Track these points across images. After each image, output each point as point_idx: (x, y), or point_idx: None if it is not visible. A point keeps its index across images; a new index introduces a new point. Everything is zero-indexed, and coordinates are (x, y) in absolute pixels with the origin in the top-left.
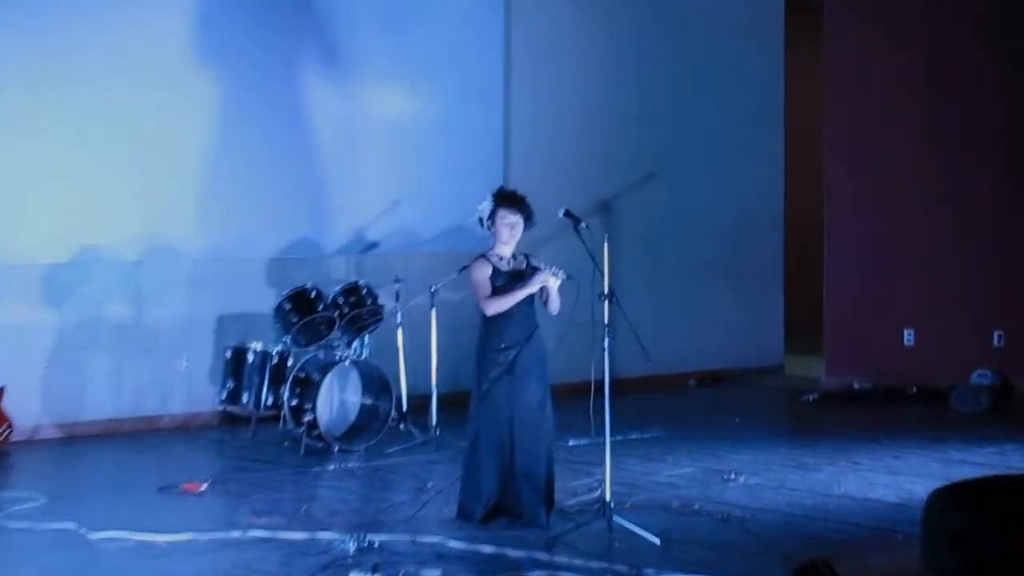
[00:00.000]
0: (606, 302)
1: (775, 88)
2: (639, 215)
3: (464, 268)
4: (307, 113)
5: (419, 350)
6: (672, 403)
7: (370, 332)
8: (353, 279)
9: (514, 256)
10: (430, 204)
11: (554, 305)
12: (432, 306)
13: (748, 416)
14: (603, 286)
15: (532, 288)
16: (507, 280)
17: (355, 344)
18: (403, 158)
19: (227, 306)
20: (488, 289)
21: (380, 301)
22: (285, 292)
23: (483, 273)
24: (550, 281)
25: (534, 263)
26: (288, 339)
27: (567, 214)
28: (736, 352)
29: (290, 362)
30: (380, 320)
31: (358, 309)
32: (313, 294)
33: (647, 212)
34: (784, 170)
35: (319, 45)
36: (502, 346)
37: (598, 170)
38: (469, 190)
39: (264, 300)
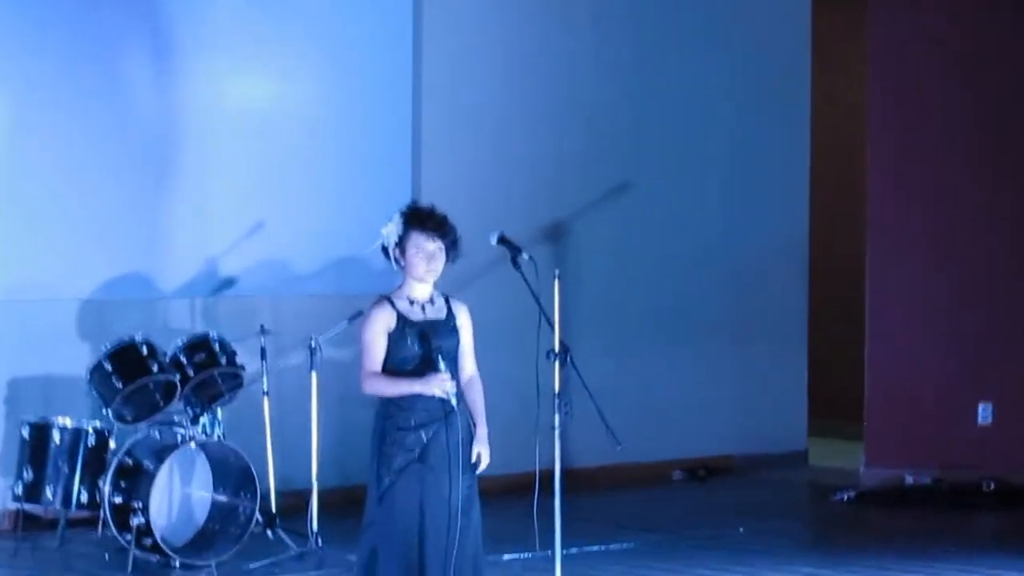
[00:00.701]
0: (556, 363)
1: (799, 80)
2: (604, 244)
3: (358, 315)
4: (135, 104)
5: (294, 428)
6: (650, 503)
7: (225, 403)
8: (201, 330)
9: (432, 299)
10: (309, 227)
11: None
12: (312, 367)
13: (757, 522)
14: (553, 341)
15: (424, 389)
16: (417, 336)
17: (204, 420)
18: (272, 164)
19: (22, 366)
20: (377, 353)
21: (239, 360)
22: (105, 347)
23: (377, 326)
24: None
25: (457, 308)
26: (110, 412)
27: (503, 241)
28: (741, 435)
29: (112, 444)
30: (239, 386)
31: (208, 371)
32: (144, 350)
33: (615, 241)
34: (809, 195)
35: (149, 15)
36: (411, 424)
37: (546, 181)
38: (366, 208)
39: (75, 358)
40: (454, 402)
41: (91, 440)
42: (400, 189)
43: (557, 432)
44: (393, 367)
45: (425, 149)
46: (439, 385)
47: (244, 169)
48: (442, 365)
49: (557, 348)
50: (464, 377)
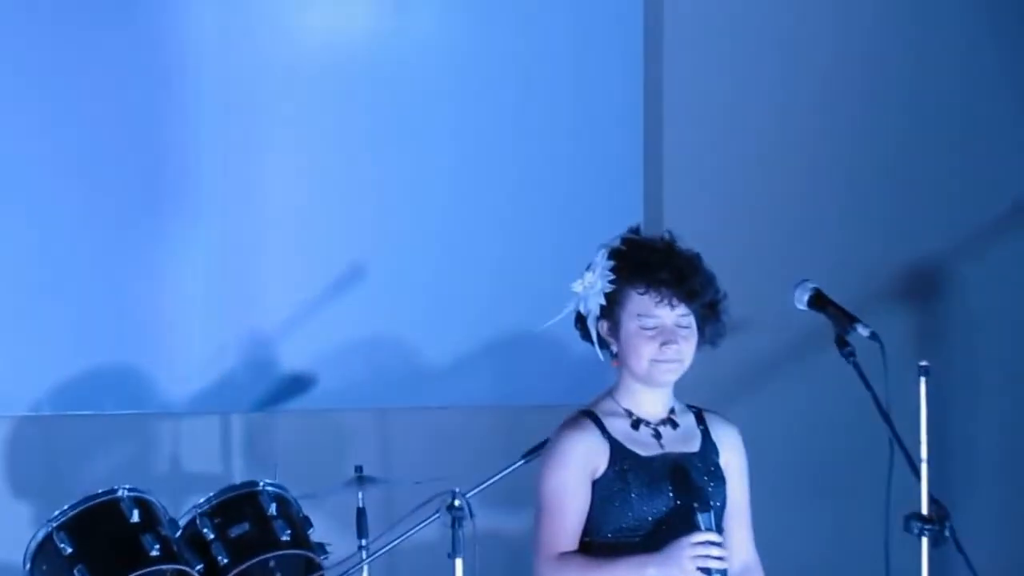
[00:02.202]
0: (924, 540)
1: None
2: (1013, 307)
3: (539, 449)
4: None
5: None
6: None
7: None
8: (243, 477)
9: (672, 417)
10: (440, 284)
11: None
12: (455, 549)
13: None
14: (918, 498)
15: (664, 573)
16: (651, 482)
17: None
18: (366, 154)
19: None
20: (570, 518)
21: (313, 535)
22: (61, 510)
23: (573, 468)
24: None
25: (720, 432)
26: None
27: (818, 302)
28: None
29: None
30: None
31: (257, 556)
32: (135, 515)
33: None
34: None
35: None
36: None
37: (889, 192)
38: (546, 244)
39: (7, 530)
40: None
41: None
42: (622, 210)
43: None
44: (603, 541)
45: (668, 139)
46: (695, 560)
47: (320, 172)
48: (701, 523)
49: (925, 510)
50: (733, 566)
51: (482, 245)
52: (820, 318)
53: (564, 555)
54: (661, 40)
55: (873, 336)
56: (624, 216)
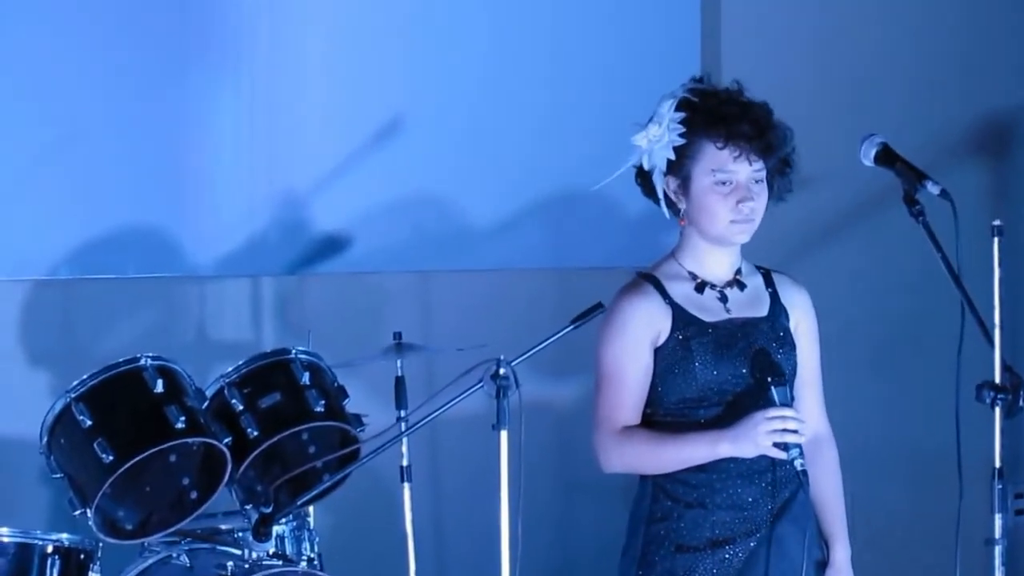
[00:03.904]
0: (997, 409)
1: None
2: None
3: (593, 313)
4: None
5: (463, 540)
6: None
7: (324, 495)
8: (274, 344)
9: (739, 279)
10: (482, 138)
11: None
12: (501, 420)
13: None
14: (991, 365)
15: (738, 450)
16: (718, 348)
17: (280, 529)
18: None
19: None
20: (631, 389)
21: (349, 406)
22: (80, 380)
23: (634, 335)
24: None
25: (790, 294)
26: (90, 514)
27: (886, 158)
28: None
29: None
30: (352, 461)
31: (289, 429)
32: (160, 385)
33: None
34: None
35: None
36: (705, 537)
37: (976, 41)
38: (599, 100)
39: (22, 400)
40: (800, 477)
41: (52, 571)
42: (678, 58)
43: (999, 552)
44: (668, 414)
45: None
46: (770, 435)
47: (360, 19)
48: (776, 397)
49: (999, 379)
50: (804, 435)
51: (528, 97)
52: (888, 175)
53: (626, 429)
54: None
55: (944, 194)
56: (680, 66)
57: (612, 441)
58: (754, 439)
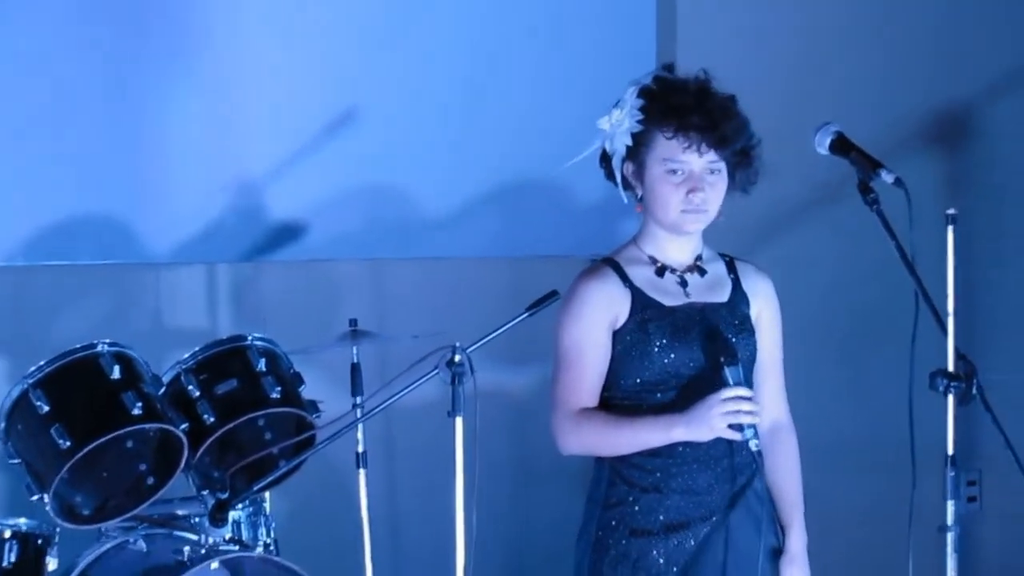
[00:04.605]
0: (950, 396)
1: None
2: None
3: (549, 300)
4: None
5: (416, 525)
6: None
7: (279, 480)
8: (230, 331)
9: (699, 264)
10: (442, 124)
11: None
12: (455, 407)
13: None
14: (944, 354)
15: (693, 433)
16: (675, 332)
17: (236, 515)
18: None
19: None
20: (586, 379)
21: (304, 392)
22: (37, 367)
23: (591, 319)
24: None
25: (751, 281)
26: (48, 500)
27: (840, 146)
28: None
29: (52, 564)
30: (307, 447)
31: (245, 415)
32: (116, 371)
33: None
34: None
35: None
36: (659, 521)
37: (930, 33)
38: (553, 88)
39: None
40: (756, 459)
41: (9, 556)
42: (632, 46)
43: (951, 539)
44: (625, 397)
45: None
46: (725, 417)
47: (315, 8)
48: (730, 377)
49: (952, 367)
50: (763, 424)
51: (481, 88)
52: (844, 164)
53: (584, 411)
54: None
55: (898, 182)
56: (634, 55)
57: (570, 423)
58: (709, 422)
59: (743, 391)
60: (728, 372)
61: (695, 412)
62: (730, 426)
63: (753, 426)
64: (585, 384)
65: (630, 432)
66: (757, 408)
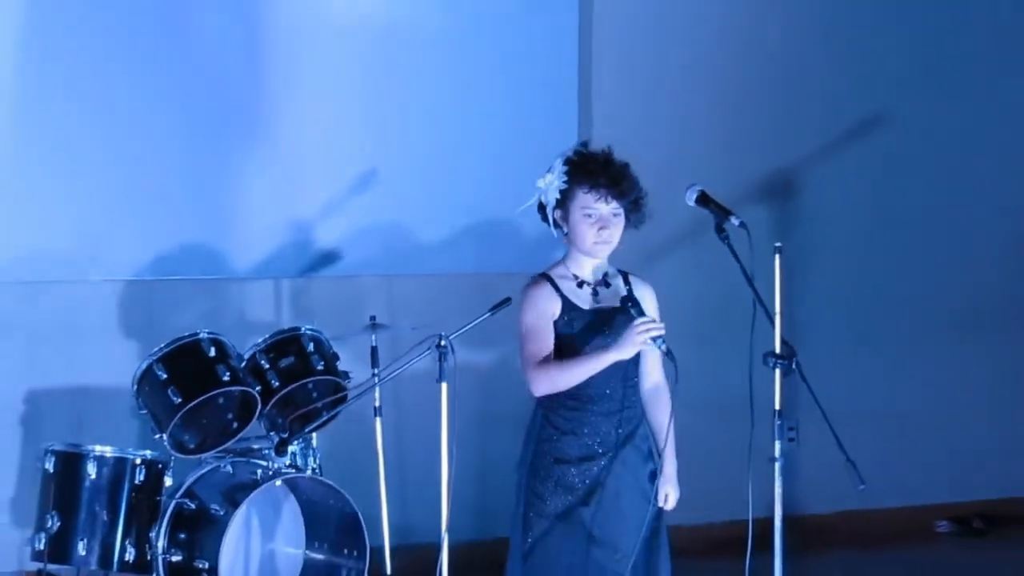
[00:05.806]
0: (777, 371)
1: None
2: (846, 205)
3: (504, 303)
4: (194, 19)
5: (418, 461)
6: (905, 565)
7: (322, 425)
8: (290, 324)
9: (606, 280)
10: (437, 182)
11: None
12: (442, 376)
13: None
14: (773, 340)
15: (623, 353)
16: (587, 325)
17: (293, 448)
18: (386, 95)
19: (43, 374)
20: (543, 343)
21: (341, 366)
22: (159, 348)
23: (539, 310)
24: (648, 344)
25: (640, 291)
26: (164, 438)
27: (703, 200)
28: None
29: (168, 482)
30: (342, 402)
31: (299, 381)
32: (212, 351)
33: (862, 199)
34: None
35: None
36: (574, 455)
37: (764, 116)
38: (514, 155)
39: (117, 362)
40: (669, 357)
41: (139, 476)
42: (562, 127)
43: (778, 467)
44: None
45: (597, 72)
46: (642, 334)
47: (348, 103)
48: (635, 313)
49: (779, 350)
50: (647, 386)
51: (464, 156)
52: (705, 212)
53: (546, 359)
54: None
55: (742, 225)
56: (561, 132)
57: (540, 370)
58: (632, 340)
59: (650, 317)
60: (634, 311)
61: (621, 339)
62: (650, 339)
63: (662, 337)
64: (543, 344)
65: (579, 366)
66: (662, 325)
